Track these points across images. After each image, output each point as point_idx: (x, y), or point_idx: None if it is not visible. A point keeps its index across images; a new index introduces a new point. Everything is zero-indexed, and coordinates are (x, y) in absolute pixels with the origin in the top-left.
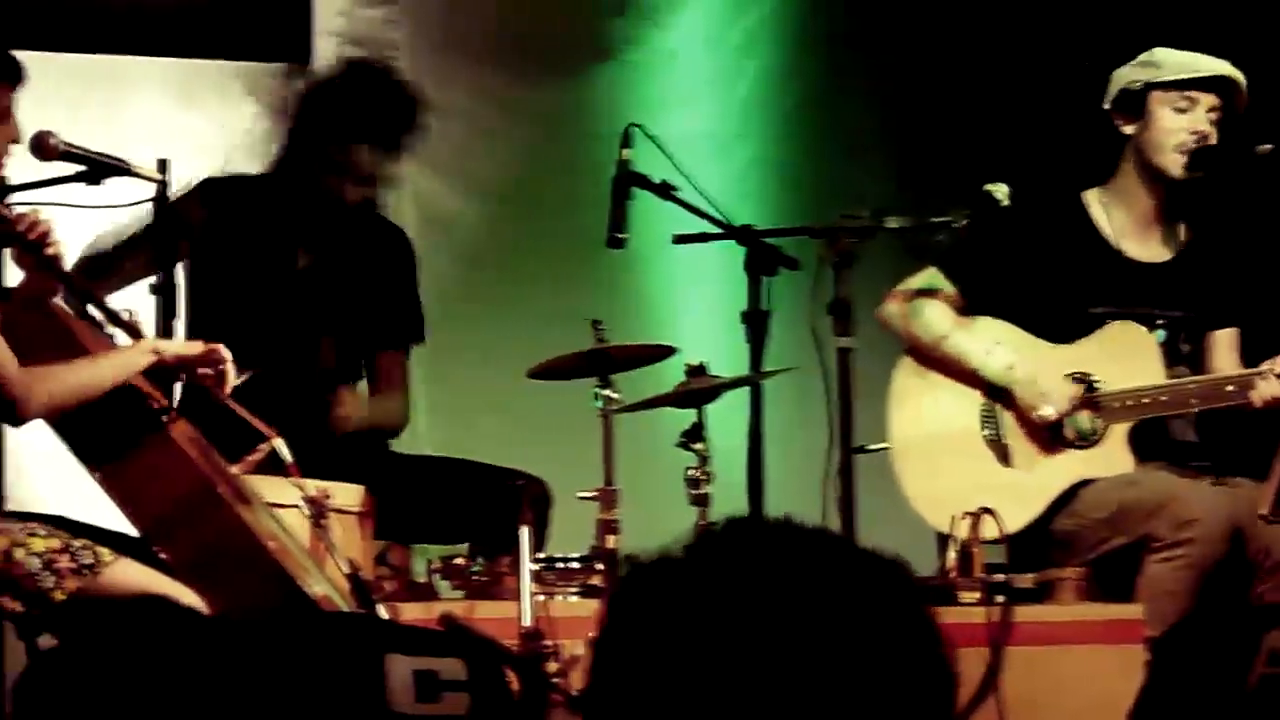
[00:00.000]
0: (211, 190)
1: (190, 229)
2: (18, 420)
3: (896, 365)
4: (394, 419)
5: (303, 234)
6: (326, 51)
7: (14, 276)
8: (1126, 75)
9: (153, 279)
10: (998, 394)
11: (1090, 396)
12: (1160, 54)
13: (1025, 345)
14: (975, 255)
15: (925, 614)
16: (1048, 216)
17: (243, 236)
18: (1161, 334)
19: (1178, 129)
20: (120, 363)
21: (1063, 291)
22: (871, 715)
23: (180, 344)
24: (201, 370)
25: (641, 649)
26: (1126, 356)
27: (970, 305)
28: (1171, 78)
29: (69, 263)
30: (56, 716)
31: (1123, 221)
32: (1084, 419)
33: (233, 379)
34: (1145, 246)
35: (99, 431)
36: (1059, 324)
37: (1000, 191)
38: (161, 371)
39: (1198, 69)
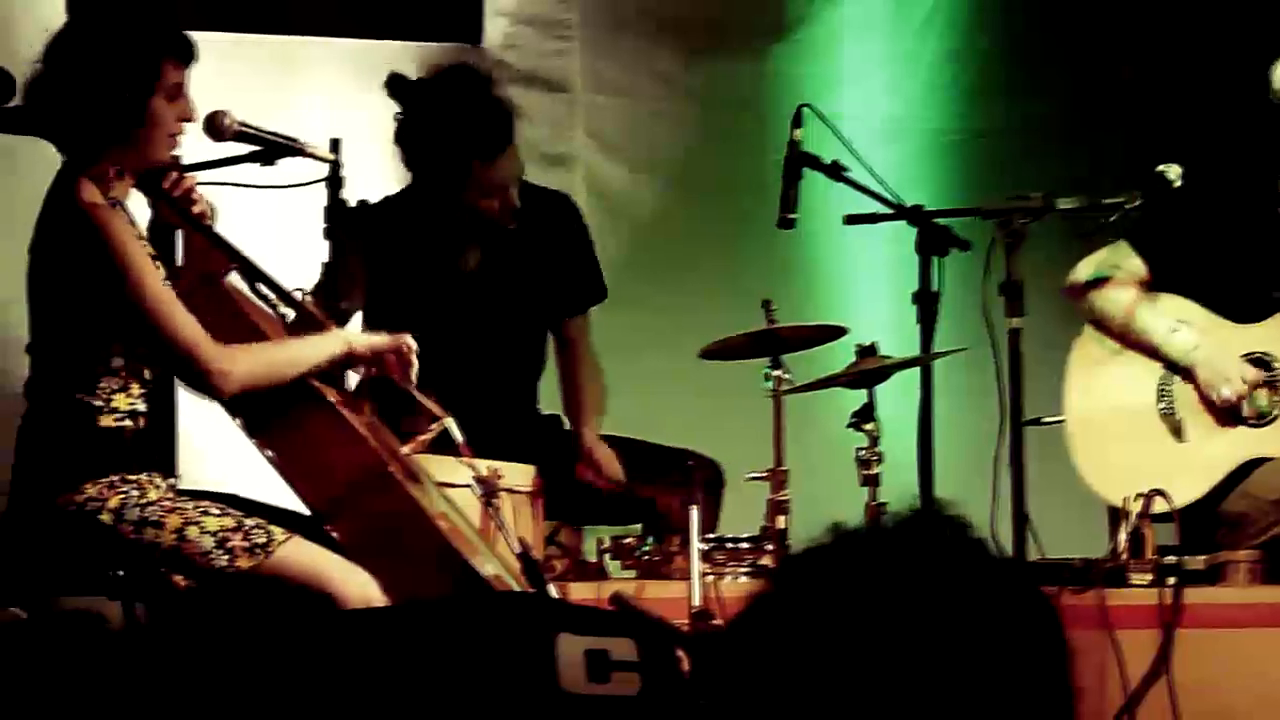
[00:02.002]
0: (366, 215)
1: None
2: (220, 395)
3: (1078, 337)
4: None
5: (467, 235)
6: (497, 32)
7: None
8: None
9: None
10: (1177, 369)
11: (1270, 376)
12: None
13: (1208, 324)
14: (1165, 232)
15: (1055, 626)
16: (1237, 198)
17: (403, 252)
18: None
19: None
20: (316, 349)
21: (1247, 273)
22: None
23: (371, 336)
24: (390, 361)
25: (779, 640)
26: None
27: (1156, 281)
28: None
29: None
30: (232, 696)
31: None
32: (1262, 397)
33: (416, 367)
34: None
35: (273, 409)
36: (1242, 305)
37: (1173, 172)
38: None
39: None
